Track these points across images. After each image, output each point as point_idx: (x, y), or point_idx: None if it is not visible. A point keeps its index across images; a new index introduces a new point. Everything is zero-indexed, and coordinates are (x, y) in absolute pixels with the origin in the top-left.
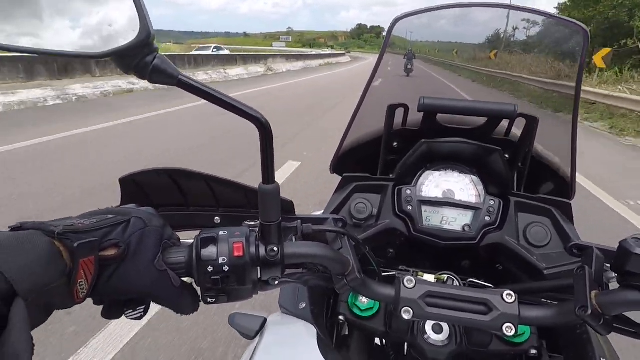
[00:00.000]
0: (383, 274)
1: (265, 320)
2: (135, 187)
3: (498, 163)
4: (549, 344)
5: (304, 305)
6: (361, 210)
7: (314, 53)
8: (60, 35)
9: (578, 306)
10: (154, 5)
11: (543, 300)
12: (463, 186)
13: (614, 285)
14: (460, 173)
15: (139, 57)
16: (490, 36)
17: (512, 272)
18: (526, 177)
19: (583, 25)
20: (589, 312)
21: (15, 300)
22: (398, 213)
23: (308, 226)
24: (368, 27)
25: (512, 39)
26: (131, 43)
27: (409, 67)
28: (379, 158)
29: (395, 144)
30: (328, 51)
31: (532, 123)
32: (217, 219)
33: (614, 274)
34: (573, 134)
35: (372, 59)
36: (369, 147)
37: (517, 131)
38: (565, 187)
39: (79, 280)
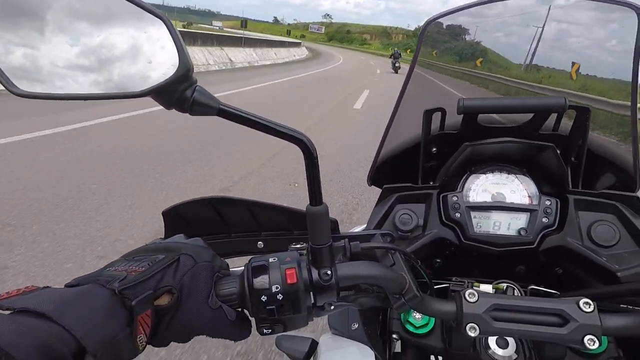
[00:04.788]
0: (435, 287)
1: (312, 341)
2: (178, 218)
3: (552, 160)
4: (627, 352)
5: (356, 325)
6: (406, 222)
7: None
8: (98, 79)
9: None
10: None
11: (622, 305)
12: (513, 188)
13: None
14: (509, 174)
15: (179, 92)
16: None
17: (576, 275)
18: (583, 172)
19: (634, 3)
20: None
21: (86, 357)
22: (446, 221)
23: (356, 244)
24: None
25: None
26: (171, 78)
27: (396, 65)
28: (417, 166)
29: (434, 149)
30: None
31: (583, 114)
32: (260, 244)
33: None
34: (633, 120)
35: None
36: (405, 156)
37: (565, 124)
38: (628, 178)
39: (139, 335)
